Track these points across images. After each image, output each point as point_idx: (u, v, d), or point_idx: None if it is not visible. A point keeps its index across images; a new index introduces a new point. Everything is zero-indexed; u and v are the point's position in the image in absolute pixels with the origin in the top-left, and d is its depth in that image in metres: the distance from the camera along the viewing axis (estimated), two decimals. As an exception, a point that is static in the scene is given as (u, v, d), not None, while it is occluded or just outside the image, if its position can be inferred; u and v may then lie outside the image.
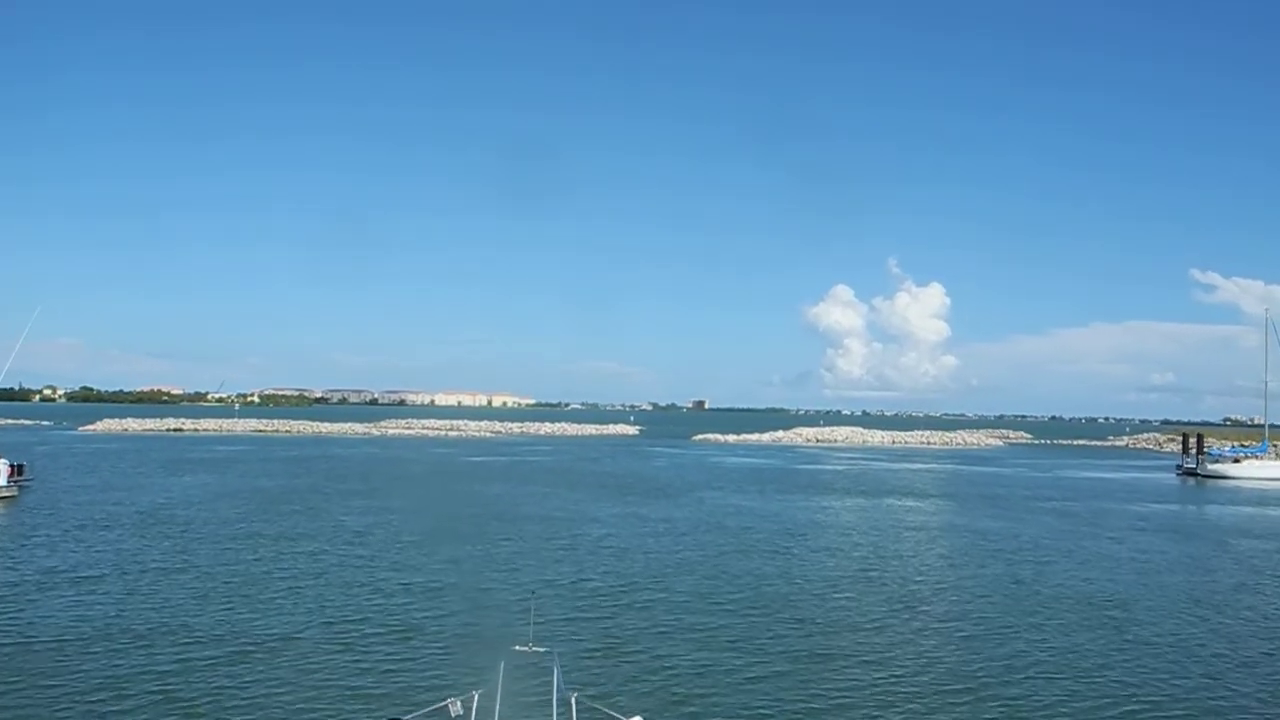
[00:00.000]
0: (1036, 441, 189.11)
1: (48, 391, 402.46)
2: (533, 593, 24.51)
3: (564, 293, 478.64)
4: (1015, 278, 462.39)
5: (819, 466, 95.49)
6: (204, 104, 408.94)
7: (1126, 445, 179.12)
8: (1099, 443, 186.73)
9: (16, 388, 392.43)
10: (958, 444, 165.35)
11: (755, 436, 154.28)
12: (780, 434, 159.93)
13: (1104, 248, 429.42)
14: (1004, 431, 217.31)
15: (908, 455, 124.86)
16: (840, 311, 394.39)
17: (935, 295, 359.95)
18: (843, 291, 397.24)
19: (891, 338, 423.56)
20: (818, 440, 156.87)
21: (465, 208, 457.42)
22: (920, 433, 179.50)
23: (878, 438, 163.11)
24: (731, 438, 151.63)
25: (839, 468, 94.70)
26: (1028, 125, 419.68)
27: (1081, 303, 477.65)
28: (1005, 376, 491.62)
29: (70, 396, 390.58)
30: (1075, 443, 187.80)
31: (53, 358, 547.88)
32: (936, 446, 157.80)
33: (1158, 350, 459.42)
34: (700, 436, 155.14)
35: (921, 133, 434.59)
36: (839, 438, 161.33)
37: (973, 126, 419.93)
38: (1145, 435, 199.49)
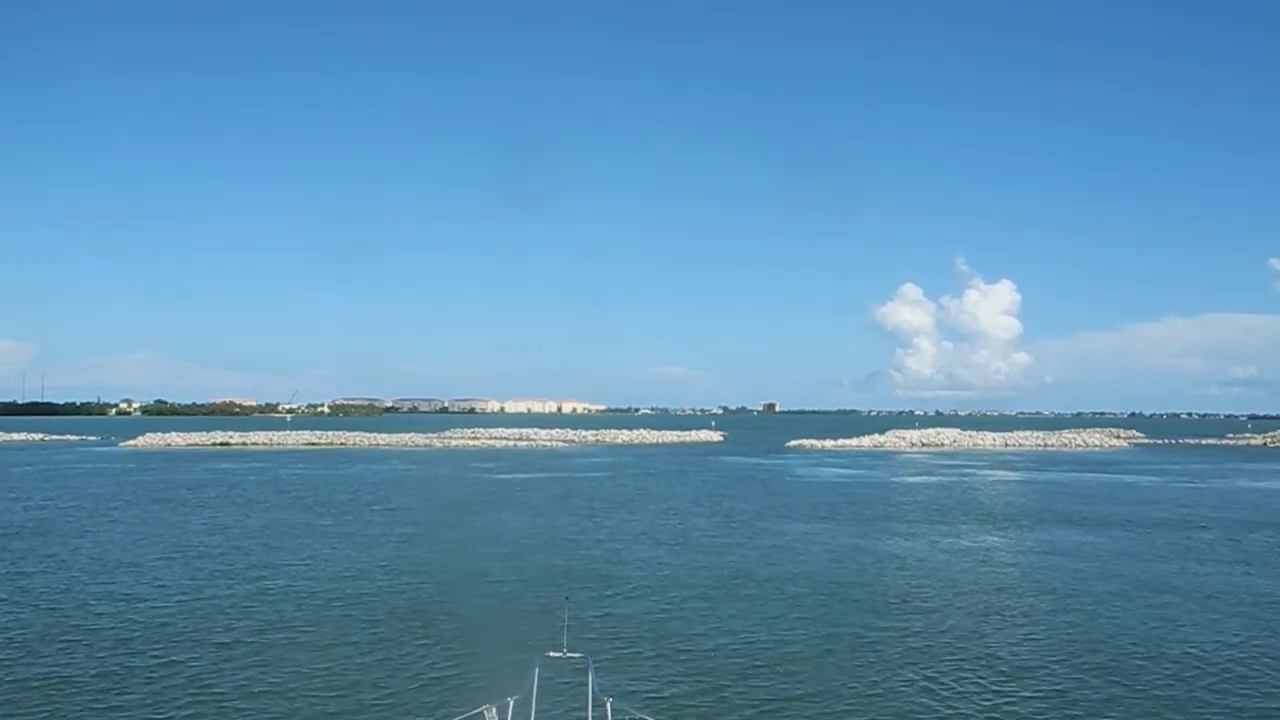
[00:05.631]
0: (1156, 441, 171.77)
1: (123, 405, 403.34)
2: (566, 598, 21.82)
3: (631, 298, 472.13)
4: (1085, 273, 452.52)
5: (939, 480, 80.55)
6: (215, 110, 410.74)
7: (1264, 444, 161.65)
8: (1225, 441, 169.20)
9: (96, 401, 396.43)
10: (1077, 445, 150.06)
11: (854, 442, 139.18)
12: (879, 438, 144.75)
13: (1176, 241, 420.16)
14: (1116, 430, 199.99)
15: (1033, 462, 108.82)
16: (909, 311, 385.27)
17: (1005, 292, 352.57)
18: (911, 290, 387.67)
19: (962, 336, 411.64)
20: (922, 444, 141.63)
21: (514, 215, 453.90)
22: (1031, 433, 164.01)
23: (988, 440, 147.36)
24: (828, 443, 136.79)
25: (966, 481, 79.67)
26: (1096, 127, 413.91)
27: (1154, 297, 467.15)
28: (1078, 373, 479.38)
29: (145, 410, 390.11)
30: (1202, 442, 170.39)
31: (133, 371, 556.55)
32: (1055, 449, 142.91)
33: (1237, 343, 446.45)
34: (795, 443, 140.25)
35: (987, 132, 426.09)
36: (945, 441, 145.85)
37: (1039, 128, 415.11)
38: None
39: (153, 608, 26.69)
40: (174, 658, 21.76)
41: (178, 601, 27.53)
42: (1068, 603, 28.65)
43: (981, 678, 21.04)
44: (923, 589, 30.68)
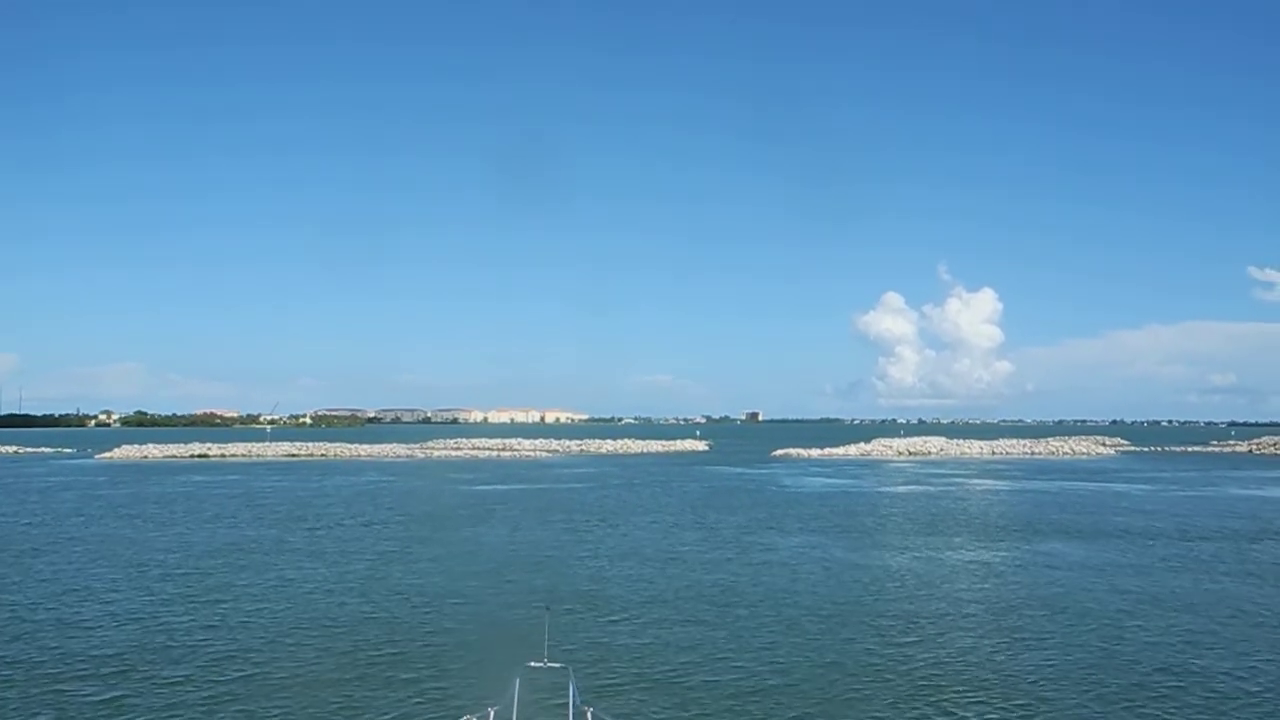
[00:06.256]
0: (1141, 449, 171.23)
1: (103, 416, 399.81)
2: (547, 608, 20.75)
3: (613, 307, 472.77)
4: (1067, 281, 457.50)
5: (929, 489, 79.05)
6: (203, 122, 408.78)
7: (1250, 451, 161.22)
8: (1210, 449, 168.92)
9: (75, 412, 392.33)
10: (1065, 453, 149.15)
11: (840, 450, 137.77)
12: (866, 447, 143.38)
13: (1157, 248, 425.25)
14: (1102, 438, 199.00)
15: (1021, 470, 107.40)
16: (891, 319, 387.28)
17: (987, 300, 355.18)
18: (893, 299, 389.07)
19: (944, 344, 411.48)
20: (909, 453, 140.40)
21: (496, 226, 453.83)
22: (1017, 441, 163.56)
23: (975, 449, 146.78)
24: (815, 452, 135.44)
25: (956, 491, 78.21)
26: (1077, 134, 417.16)
27: (1135, 304, 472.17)
28: (1061, 381, 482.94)
29: (125, 421, 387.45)
30: (1188, 450, 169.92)
31: (116, 382, 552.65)
32: (1043, 457, 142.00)
33: (1217, 350, 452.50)
34: (780, 452, 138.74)
35: (968, 140, 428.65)
36: (932, 449, 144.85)
37: (1020, 135, 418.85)
38: (1266, 440, 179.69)
39: (100, 637, 24.66)
40: (117, 697, 19.79)
41: (128, 630, 25.50)
42: (1082, 623, 26.94)
43: (1002, 709, 19.31)
44: (926, 609, 28.95)
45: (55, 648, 23.55)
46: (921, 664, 22.62)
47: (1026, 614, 28.24)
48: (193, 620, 26.74)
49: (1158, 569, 37.02)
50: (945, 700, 19.90)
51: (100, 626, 25.89)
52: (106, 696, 19.80)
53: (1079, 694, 20.33)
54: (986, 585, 33.52)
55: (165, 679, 21.06)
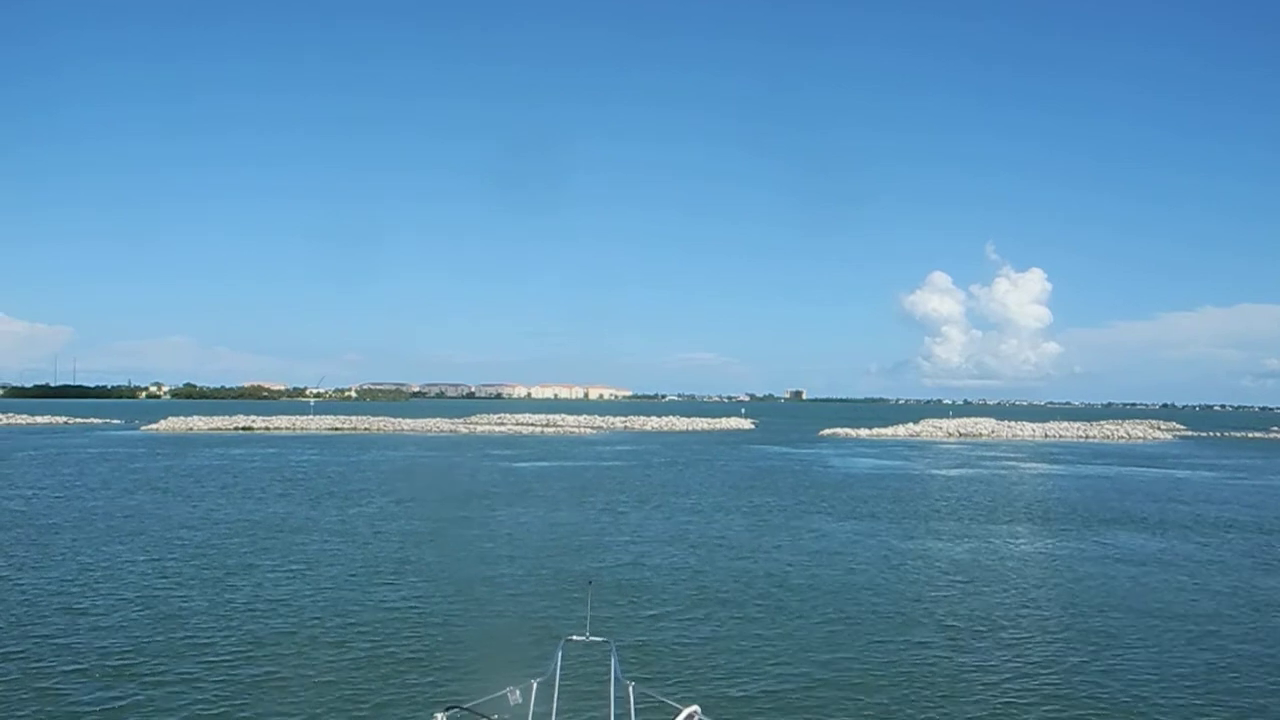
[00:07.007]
0: (1199, 434, 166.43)
1: (153, 388, 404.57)
2: (589, 582, 17.96)
3: (656, 285, 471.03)
4: (1118, 262, 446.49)
5: (983, 472, 76.35)
6: (244, 96, 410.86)
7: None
8: (1272, 435, 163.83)
9: (127, 384, 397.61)
10: (1120, 437, 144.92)
11: (889, 431, 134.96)
12: (914, 427, 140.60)
13: (1211, 229, 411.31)
14: (1157, 422, 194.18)
15: (1076, 455, 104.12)
16: (938, 299, 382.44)
17: (1035, 280, 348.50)
18: (940, 278, 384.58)
19: (991, 325, 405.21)
20: (960, 434, 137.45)
21: (542, 201, 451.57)
22: (1070, 424, 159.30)
23: (1027, 431, 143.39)
24: (863, 432, 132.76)
25: (1011, 475, 75.50)
26: (1131, 118, 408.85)
27: (1189, 286, 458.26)
28: (1110, 363, 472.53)
29: (174, 393, 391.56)
30: (1249, 435, 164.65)
31: (166, 355, 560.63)
32: (1097, 440, 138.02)
33: (1273, 333, 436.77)
34: (828, 431, 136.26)
35: (1017, 121, 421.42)
36: (983, 431, 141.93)
37: (1071, 118, 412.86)
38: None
39: (107, 628, 22.85)
40: (114, 707, 18.06)
41: (138, 620, 23.73)
42: (1174, 627, 24.40)
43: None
44: (999, 609, 26.54)
45: (57, 639, 21.81)
46: (1001, 673, 20.30)
47: (1110, 615, 25.73)
48: (210, 608, 25.02)
49: (1245, 566, 34.28)
50: (1033, 718, 17.62)
51: (109, 615, 24.15)
52: (102, 706, 17.95)
53: (1185, 713, 17.95)
54: (1060, 580, 31.06)
55: (170, 679, 19.23)
